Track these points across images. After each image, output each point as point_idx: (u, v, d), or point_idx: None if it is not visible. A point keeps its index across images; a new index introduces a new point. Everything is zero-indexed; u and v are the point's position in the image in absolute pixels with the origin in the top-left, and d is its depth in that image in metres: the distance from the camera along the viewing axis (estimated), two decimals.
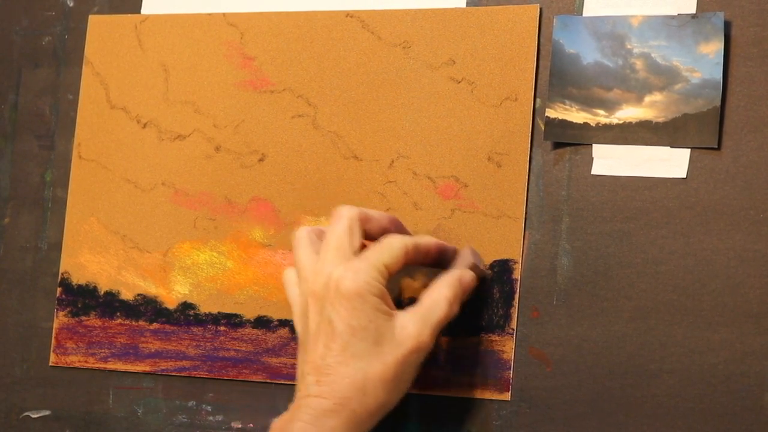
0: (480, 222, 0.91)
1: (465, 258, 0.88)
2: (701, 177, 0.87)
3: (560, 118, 0.89)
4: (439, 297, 0.85)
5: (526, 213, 0.90)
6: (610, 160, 0.88)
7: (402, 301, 0.91)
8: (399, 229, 0.90)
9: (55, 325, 1.00)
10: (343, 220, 0.86)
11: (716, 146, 0.86)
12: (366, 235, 0.87)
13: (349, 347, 0.82)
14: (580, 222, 0.89)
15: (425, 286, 0.88)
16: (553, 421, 0.88)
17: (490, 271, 0.90)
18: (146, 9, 1.01)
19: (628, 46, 0.88)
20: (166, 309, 0.98)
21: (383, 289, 0.84)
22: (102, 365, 0.99)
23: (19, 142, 1.03)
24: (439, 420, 0.90)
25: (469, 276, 0.88)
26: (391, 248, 0.85)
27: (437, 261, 0.89)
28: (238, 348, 0.95)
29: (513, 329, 0.89)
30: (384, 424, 0.91)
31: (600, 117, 0.88)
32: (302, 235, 0.88)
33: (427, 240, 0.88)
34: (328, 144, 0.95)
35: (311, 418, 0.81)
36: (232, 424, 0.95)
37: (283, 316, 0.95)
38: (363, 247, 0.86)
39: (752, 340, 0.84)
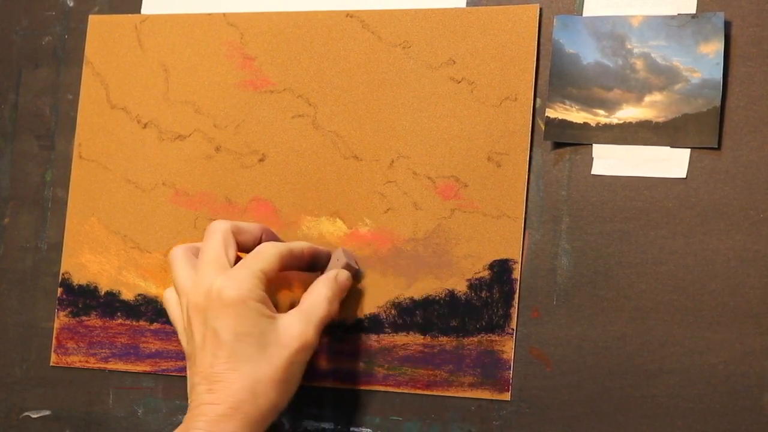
0: (480, 222, 0.91)
1: (338, 258, 0.91)
2: (701, 177, 0.87)
3: (560, 118, 0.89)
4: (319, 297, 0.88)
5: (525, 213, 0.90)
6: (610, 160, 0.88)
7: (283, 307, 0.91)
8: (271, 238, 0.92)
9: (56, 325, 1.00)
10: (217, 233, 0.89)
11: (716, 146, 0.86)
12: (240, 246, 0.90)
13: (236, 353, 0.84)
14: (580, 222, 0.89)
15: (304, 291, 0.90)
16: (553, 421, 0.88)
17: (361, 269, 0.93)
18: (146, 9, 1.01)
19: (628, 46, 0.88)
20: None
21: (264, 295, 0.86)
22: (102, 365, 0.99)
23: (19, 142, 1.04)
24: (439, 420, 0.90)
25: (344, 275, 0.91)
26: (266, 255, 0.88)
27: (312, 264, 0.92)
28: None
29: (513, 329, 0.89)
30: (385, 423, 0.91)
31: (600, 117, 0.88)
32: (178, 253, 0.90)
33: (299, 245, 0.91)
34: (328, 144, 0.95)
35: (206, 425, 0.83)
36: None
37: None
38: (238, 258, 0.89)
39: (752, 340, 0.84)
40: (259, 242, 0.91)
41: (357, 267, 0.92)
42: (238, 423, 0.83)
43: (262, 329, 0.85)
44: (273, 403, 0.85)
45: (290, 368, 0.86)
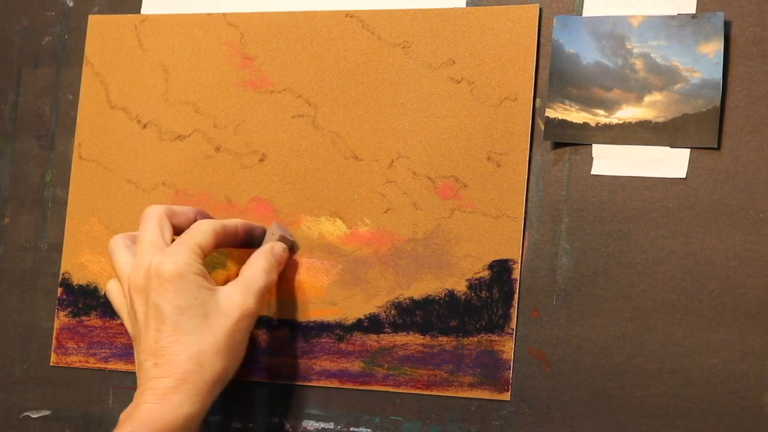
0: (479, 222, 0.91)
1: (273, 232, 0.94)
2: (701, 177, 0.87)
3: (560, 118, 0.89)
4: (257, 267, 0.90)
5: (525, 213, 0.90)
6: (609, 160, 0.88)
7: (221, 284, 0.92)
8: (205, 218, 0.94)
9: (56, 325, 1.00)
10: (152, 218, 0.91)
11: (716, 146, 0.86)
12: (175, 229, 0.92)
13: (180, 326, 0.86)
14: (579, 222, 0.89)
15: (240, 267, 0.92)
16: (553, 421, 0.88)
17: (297, 242, 0.95)
18: (146, 9, 1.01)
19: (628, 46, 0.88)
20: None
21: (202, 268, 0.89)
22: (103, 365, 0.99)
23: (19, 142, 1.04)
24: (439, 420, 0.90)
25: (279, 247, 0.93)
26: (201, 230, 0.90)
27: (247, 240, 0.94)
28: None
29: (513, 329, 0.89)
30: (385, 423, 0.91)
31: (600, 117, 0.88)
32: (116, 242, 0.92)
33: (233, 221, 0.93)
34: (328, 144, 0.95)
35: (156, 398, 0.85)
36: (232, 424, 0.95)
37: (283, 316, 0.95)
38: (173, 241, 0.91)
39: (752, 340, 0.84)
40: (193, 223, 0.93)
41: (292, 239, 0.94)
42: (186, 393, 0.85)
43: (203, 301, 0.87)
44: (219, 372, 0.87)
45: (233, 337, 0.88)
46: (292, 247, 0.94)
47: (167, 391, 0.85)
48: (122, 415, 0.86)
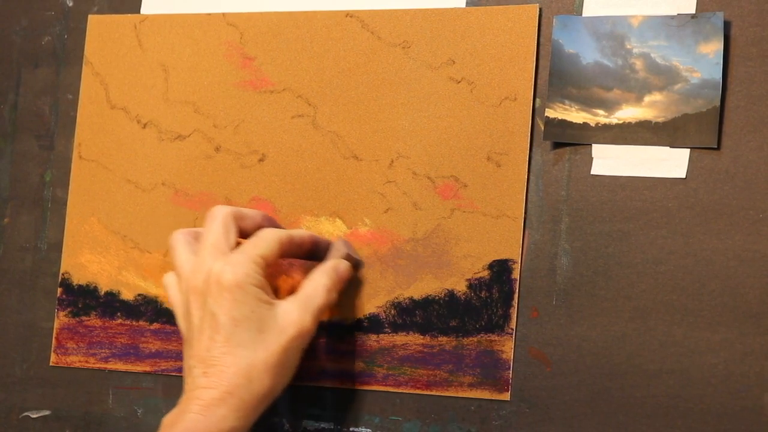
0: (479, 222, 0.91)
1: (338, 249, 0.92)
2: (701, 177, 0.87)
3: (560, 118, 0.89)
4: (318, 285, 0.89)
5: (525, 213, 0.90)
6: (609, 160, 0.88)
7: (282, 294, 0.92)
8: (272, 224, 0.93)
9: (56, 325, 1.00)
10: (218, 219, 0.89)
11: (716, 146, 0.86)
12: (241, 232, 0.90)
13: (233, 337, 0.85)
14: (579, 222, 0.89)
15: (303, 278, 0.90)
16: (553, 421, 0.88)
17: (362, 260, 0.93)
18: (146, 9, 1.02)
19: (628, 46, 0.88)
20: (167, 309, 0.98)
21: (263, 280, 0.87)
22: (102, 365, 0.99)
23: (19, 142, 1.04)
24: (439, 420, 0.90)
25: (344, 265, 0.91)
26: (266, 240, 0.88)
27: (312, 253, 0.92)
28: None
29: (512, 329, 0.89)
30: (385, 423, 0.91)
31: (599, 117, 0.88)
32: (179, 238, 0.91)
33: (300, 232, 0.91)
34: (328, 144, 0.95)
35: (201, 408, 0.83)
36: None
37: None
38: (238, 243, 0.89)
39: (752, 340, 0.84)
40: (260, 228, 0.91)
41: (357, 257, 0.93)
42: (232, 407, 0.84)
43: (260, 314, 0.86)
44: (267, 389, 0.85)
45: (286, 354, 0.86)
46: (356, 265, 0.93)
47: (213, 402, 0.83)
48: (165, 420, 0.84)
